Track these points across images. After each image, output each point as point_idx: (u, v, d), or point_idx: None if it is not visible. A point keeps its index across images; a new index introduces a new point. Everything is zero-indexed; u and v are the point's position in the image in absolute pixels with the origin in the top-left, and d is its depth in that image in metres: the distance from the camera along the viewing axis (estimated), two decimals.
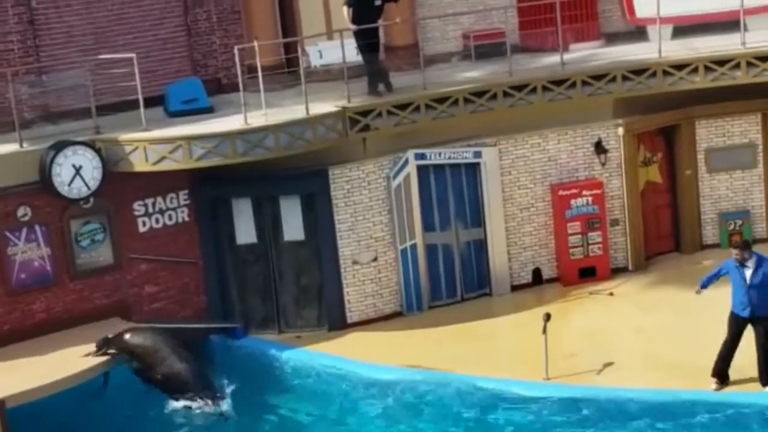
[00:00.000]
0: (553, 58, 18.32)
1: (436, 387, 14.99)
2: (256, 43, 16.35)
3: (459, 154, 17.69)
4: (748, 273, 13.64)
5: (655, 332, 15.84)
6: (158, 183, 16.83)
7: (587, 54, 18.94)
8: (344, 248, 17.17)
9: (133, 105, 16.46)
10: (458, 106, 17.37)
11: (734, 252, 13.83)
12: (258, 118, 16.24)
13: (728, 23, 18.44)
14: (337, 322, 17.23)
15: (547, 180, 18.09)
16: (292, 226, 17.16)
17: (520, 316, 16.95)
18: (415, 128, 17.30)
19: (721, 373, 13.99)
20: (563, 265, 18.05)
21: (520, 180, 18.04)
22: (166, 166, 16.17)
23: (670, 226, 18.85)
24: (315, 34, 19.02)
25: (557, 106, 17.81)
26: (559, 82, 17.71)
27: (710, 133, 18.64)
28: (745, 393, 13.85)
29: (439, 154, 17.57)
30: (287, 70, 18.59)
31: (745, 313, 13.68)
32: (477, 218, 17.94)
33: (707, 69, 17.73)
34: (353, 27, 17.32)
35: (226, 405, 15.24)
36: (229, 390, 15.51)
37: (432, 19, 19.63)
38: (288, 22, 19.55)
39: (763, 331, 13.70)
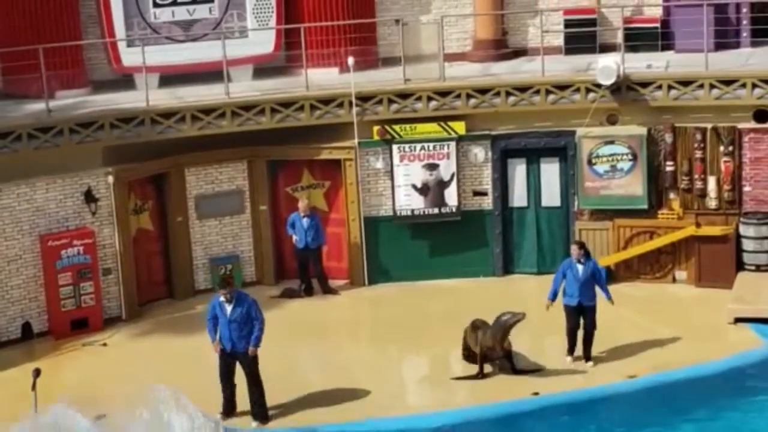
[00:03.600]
0: (39, 105, 17.85)
1: None
2: None
3: None
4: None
5: (150, 380, 15.71)
6: None
7: (75, 101, 18.66)
8: None
9: None
10: None
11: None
12: None
13: (214, 73, 18.97)
14: None
15: (35, 230, 17.49)
16: None
17: (7, 374, 16.15)
18: None
19: None
20: (54, 317, 17.51)
21: (6, 231, 17.30)
22: None
23: (163, 272, 18.97)
24: None
25: (45, 154, 17.41)
26: (45, 130, 17.33)
27: (200, 180, 19.05)
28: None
29: None
30: None
31: None
32: None
33: (194, 118, 18.19)
34: None
35: None
36: None
37: None
38: None
39: None
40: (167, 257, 18.98)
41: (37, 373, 14.48)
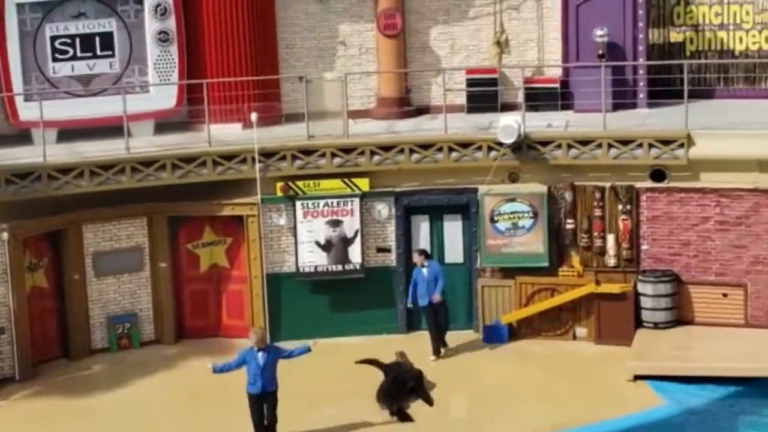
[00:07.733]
0: None
1: None
2: None
3: None
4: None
5: None
6: None
7: None
8: None
9: None
10: None
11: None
12: None
13: (114, 128, 18.69)
14: None
15: None
16: None
17: None
18: None
19: None
20: None
21: None
22: None
23: (58, 331, 18.51)
24: None
25: None
26: None
27: (98, 237, 18.71)
28: None
29: None
30: None
31: None
32: None
33: (93, 173, 17.89)
34: None
35: None
36: None
37: None
38: None
39: None
40: (63, 316, 18.54)
41: None
